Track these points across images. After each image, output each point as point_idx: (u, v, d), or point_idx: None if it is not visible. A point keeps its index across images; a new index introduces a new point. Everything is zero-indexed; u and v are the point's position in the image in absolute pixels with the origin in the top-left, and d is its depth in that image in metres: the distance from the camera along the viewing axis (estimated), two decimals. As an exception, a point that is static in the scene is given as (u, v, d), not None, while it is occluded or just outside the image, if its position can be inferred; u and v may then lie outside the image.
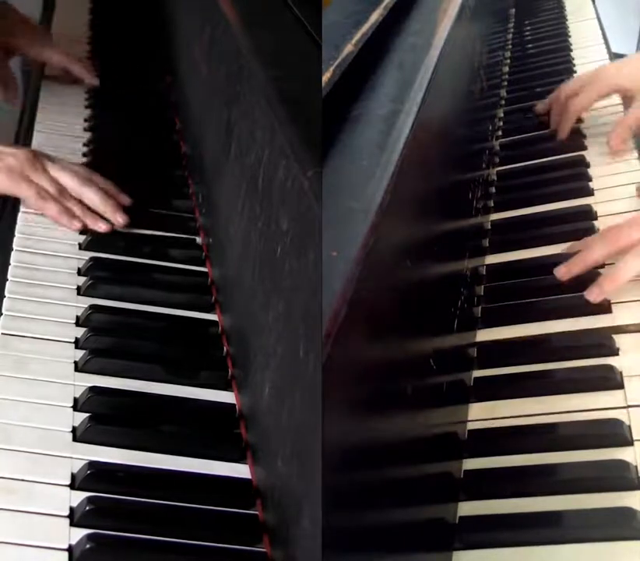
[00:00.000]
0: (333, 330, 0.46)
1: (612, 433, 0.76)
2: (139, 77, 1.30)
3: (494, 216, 1.12)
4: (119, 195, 1.03)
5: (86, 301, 0.89)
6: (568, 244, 0.99)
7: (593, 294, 0.90)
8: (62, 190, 1.00)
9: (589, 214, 1.05)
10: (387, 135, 0.63)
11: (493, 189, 1.17)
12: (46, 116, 1.02)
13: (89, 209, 1.00)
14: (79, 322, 0.86)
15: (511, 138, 1.30)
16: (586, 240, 0.97)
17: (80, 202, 1.00)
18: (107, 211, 1.00)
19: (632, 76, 1.16)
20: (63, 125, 1.05)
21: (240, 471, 0.74)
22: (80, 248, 0.97)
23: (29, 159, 0.99)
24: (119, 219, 1.00)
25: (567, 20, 1.65)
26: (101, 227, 0.99)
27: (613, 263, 0.93)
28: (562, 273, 0.94)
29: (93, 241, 0.97)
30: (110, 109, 1.23)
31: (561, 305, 0.92)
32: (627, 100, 1.20)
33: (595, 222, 1.03)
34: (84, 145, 1.12)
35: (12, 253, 0.93)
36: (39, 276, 0.91)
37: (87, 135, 1.16)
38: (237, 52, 0.84)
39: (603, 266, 0.94)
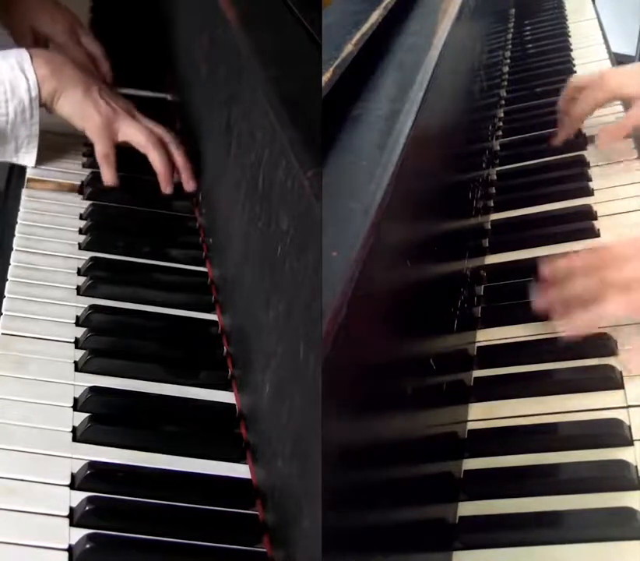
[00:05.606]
0: (333, 330, 0.46)
1: (612, 433, 0.76)
2: (139, 77, 1.30)
3: (494, 216, 1.12)
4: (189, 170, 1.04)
5: (86, 301, 0.88)
6: (568, 243, 0.99)
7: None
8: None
9: (589, 214, 1.05)
10: (387, 135, 0.63)
11: (493, 189, 1.17)
12: (46, 114, 1.02)
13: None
14: (79, 322, 0.86)
15: (511, 138, 1.30)
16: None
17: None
18: (163, 176, 1.03)
19: (632, 86, 1.16)
20: (63, 124, 1.05)
21: (240, 471, 0.74)
22: (80, 248, 0.97)
23: (127, 110, 1.03)
24: (169, 189, 1.03)
25: (567, 20, 1.65)
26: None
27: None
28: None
29: (93, 241, 0.97)
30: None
31: (561, 305, 0.91)
32: (628, 105, 1.19)
33: (595, 222, 1.03)
34: (85, 145, 1.12)
35: (12, 253, 0.93)
36: (39, 276, 0.90)
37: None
38: (237, 52, 0.84)
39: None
